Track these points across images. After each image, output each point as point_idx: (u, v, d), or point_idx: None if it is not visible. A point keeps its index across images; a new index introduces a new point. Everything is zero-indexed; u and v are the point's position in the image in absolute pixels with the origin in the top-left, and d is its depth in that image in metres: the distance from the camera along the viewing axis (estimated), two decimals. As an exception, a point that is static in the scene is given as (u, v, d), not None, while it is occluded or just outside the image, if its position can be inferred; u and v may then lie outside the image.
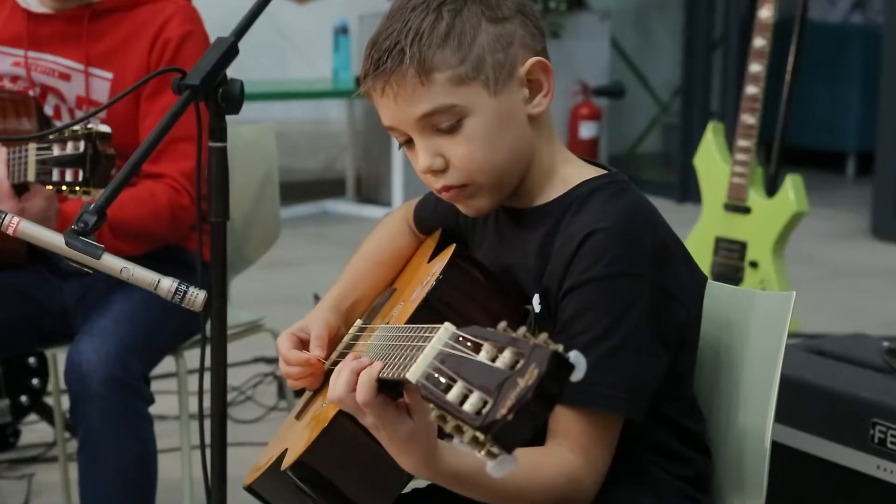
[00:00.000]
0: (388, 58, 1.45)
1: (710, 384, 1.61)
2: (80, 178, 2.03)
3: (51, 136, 2.06)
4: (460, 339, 1.10)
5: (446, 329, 1.14)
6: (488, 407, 1.02)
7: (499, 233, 1.59)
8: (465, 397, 1.05)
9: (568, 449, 1.42)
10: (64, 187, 2.05)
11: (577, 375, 1.03)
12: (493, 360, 1.05)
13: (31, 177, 2.08)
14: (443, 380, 1.08)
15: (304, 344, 1.64)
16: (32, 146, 2.09)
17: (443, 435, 1.18)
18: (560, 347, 1.03)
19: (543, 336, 1.04)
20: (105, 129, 2.04)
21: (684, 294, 1.49)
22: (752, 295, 1.61)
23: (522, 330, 1.06)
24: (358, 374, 1.29)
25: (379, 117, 1.52)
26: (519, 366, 1.03)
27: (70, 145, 2.03)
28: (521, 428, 1.02)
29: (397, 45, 1.45)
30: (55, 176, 2.05)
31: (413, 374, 1.12)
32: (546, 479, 1.40)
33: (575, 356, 1.03)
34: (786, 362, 1.55)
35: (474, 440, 1.03)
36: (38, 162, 2.07)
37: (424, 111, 1.46)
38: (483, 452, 1.03)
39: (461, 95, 1.46)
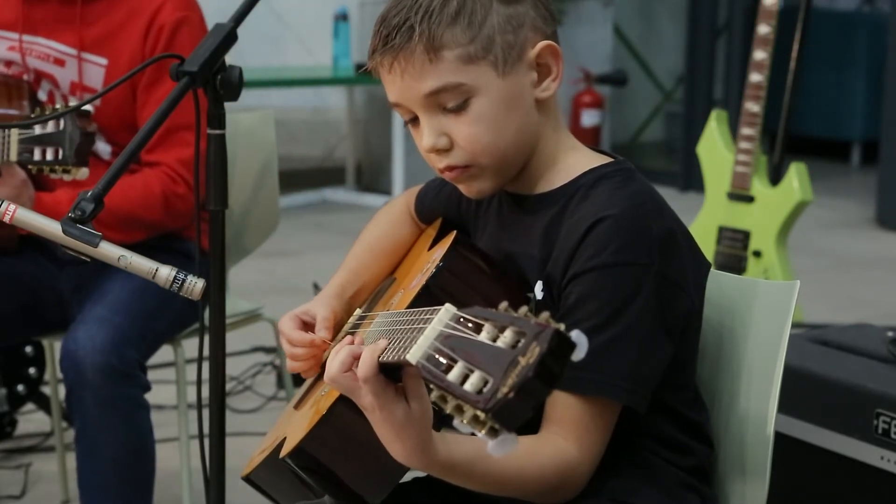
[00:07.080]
0: (398, 34, 1.45)
1: (713, 374, 1.60)
2: (60, 157, 2.03)
3: (33, 116, 2.08)
4: (461, 319, 1.10)
5: (447, 310, 1.13)
6: (489, 386, 1.02)
7: (501, 219, 1.57)
8: (465, 377, 1.04)
9: (563, 436, 1.41)
10: (45, 166, 2.06)
11: (579, 354, 1.03)
12: (495, 340, 1.04)
13: (13, 156, 2.11)
14: (443, 360, 1.08)
15: (307, 327, 1.63)
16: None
17: (441, 418, 1.16)
18: (562, 326, 1.02)
19: (545, 315, 1.04)
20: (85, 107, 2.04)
21: (689, 283, 1.48)
22: (756, 284, 1.60)
23: (524, 310, 1.06)
24: (355, 356, 1.28)
25: (379, 105, 1.52)
26: (520, 345, 1.02)
27: (50, 124, 2.05)
28: (523, 406, 1.01)
29: (407, 22, 1.45)
30: (37, 155, 2.06)
31: (413, 355, 1.11)
32: (539, 466, 1.39)
33: (576, 335, 1.03)
34: (789, 352, 1.55)
35: (475, 419, 1.03)
36: (20, 141, 2.07)
37: (431, 88, 1.45)
38: (484, 432, 1.03)
39: (469, 74, 1.45)
